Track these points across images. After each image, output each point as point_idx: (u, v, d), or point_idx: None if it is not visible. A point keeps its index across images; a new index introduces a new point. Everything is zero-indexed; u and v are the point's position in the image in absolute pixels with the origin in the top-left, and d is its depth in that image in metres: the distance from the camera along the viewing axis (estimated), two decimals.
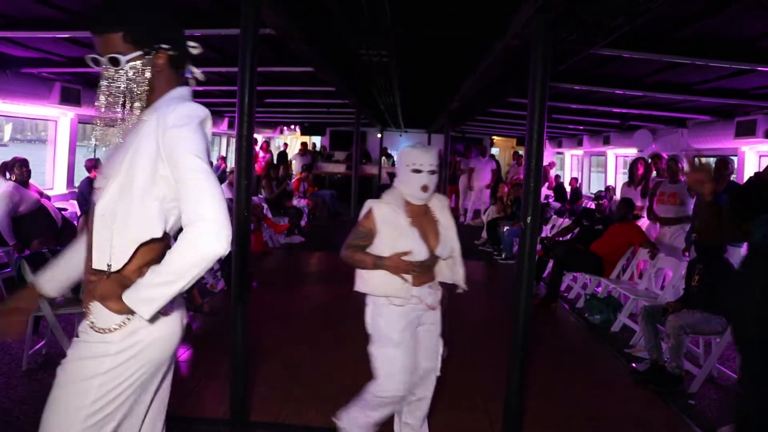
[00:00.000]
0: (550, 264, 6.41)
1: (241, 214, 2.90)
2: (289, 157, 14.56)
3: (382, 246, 2.46)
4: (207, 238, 1.33)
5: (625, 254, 5.95)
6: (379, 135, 15.63)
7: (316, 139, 16.46)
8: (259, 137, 14.46)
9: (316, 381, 3.73)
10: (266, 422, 3.15)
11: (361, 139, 12.93)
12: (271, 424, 3.15)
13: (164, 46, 1.49)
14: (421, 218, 2.55)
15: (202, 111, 1.45)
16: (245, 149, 2.92)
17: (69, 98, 6.52)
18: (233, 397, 2.95)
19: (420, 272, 2.48)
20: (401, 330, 2.47)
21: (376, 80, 6.14)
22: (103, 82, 1.48)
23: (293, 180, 11.51)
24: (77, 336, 1.53)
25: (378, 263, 2.44)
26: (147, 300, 1.37)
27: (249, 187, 2.94)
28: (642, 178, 7.24)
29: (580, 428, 3.32)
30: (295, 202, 10.37)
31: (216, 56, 5.68)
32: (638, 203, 7.00)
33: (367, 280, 2.50)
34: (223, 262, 6.07)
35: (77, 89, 6.63)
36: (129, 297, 1.39)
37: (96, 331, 1.48)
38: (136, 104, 1.47)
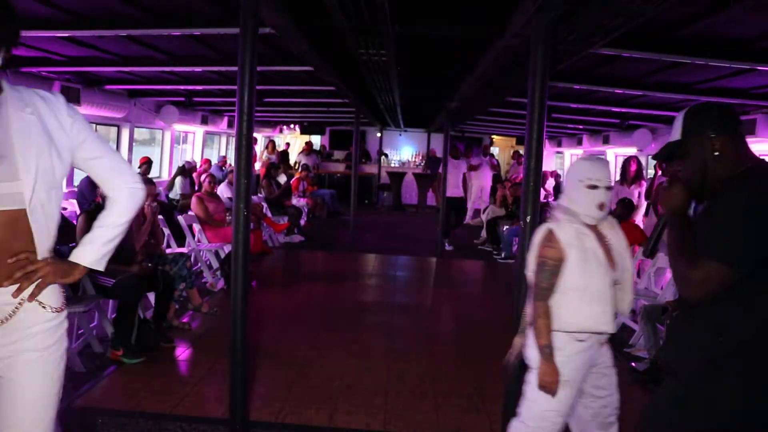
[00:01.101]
0: None
1: (241, 214, 2.91)
2: (293, 158, 14.54)
3: (569, 274, 2.18)
4: (141, 189, 1.65)
5: None
6: (378, 134, 15.64)
7: (316, 139, 16.47)
8: (260, 137, 14.44)
9: (316, 381, 3.74)
10: (266, 422, 3.16)
11: (360, 139, 12.93)
12: (271, 424, 3.15)
13: (15, 43, 1.51)
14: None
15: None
16: (245, 148, 2.92)
17: (69, 97, 6.44)
18: (233, 396, 2.95)
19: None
20: (575, 368, 2.20)
21: (376, 80, 6.13)
22: None
23: (293, 179, 11.52)
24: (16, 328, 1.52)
25: (544, 354, 2.18)
26: (105, 256, 1.60)
27: (249, 186, 2.94)
28: (635, 177, 7.21)
29: None
30: (294, 201, 10.37)
31: (216, 56, 5.68)
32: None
33: (562, 317, 2.21)
34: (223, 262, 6.08)
35: (77, 88, 6.62)
36: (88, 258, 1.56)
37: (55, 311, 1.56)
38: None
